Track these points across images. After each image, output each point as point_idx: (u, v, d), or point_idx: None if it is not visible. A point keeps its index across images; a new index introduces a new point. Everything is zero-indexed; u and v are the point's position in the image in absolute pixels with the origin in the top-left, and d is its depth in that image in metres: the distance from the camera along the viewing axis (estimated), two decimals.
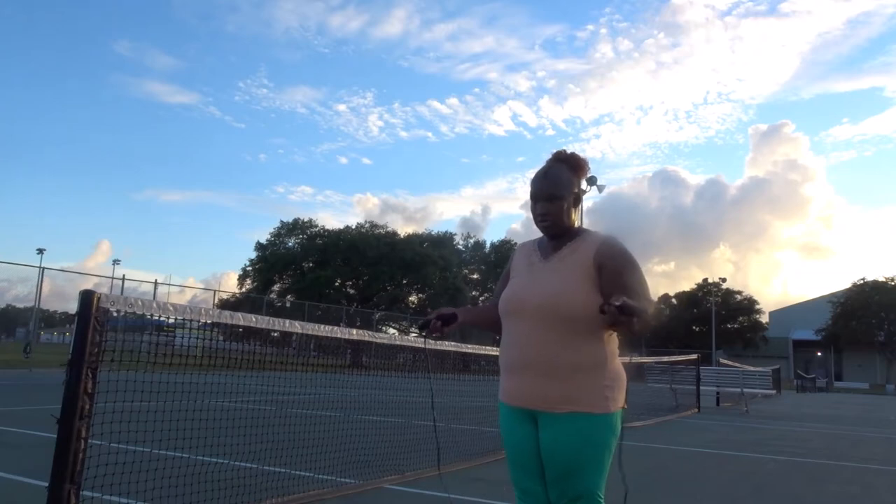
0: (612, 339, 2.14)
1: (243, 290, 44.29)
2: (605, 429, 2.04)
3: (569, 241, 2.20)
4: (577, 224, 2.26)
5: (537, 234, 2.36)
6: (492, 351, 7.26)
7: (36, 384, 13.53)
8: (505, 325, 2.24)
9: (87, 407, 2.92)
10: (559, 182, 2.18)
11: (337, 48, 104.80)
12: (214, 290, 35.22)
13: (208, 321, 3.93)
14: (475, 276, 58.30)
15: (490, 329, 2.39)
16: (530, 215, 2.25)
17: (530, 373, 2.10)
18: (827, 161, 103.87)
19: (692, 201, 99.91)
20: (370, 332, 5.87)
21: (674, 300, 64.73)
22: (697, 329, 60.05)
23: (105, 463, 3.32)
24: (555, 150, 2.26)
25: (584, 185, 2.27)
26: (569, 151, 2.24)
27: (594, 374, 2.06)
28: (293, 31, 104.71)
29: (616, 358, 2.14)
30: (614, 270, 2.08)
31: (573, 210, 2.23)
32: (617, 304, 1.77)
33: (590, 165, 2.26)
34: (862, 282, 58.53)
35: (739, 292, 62.77)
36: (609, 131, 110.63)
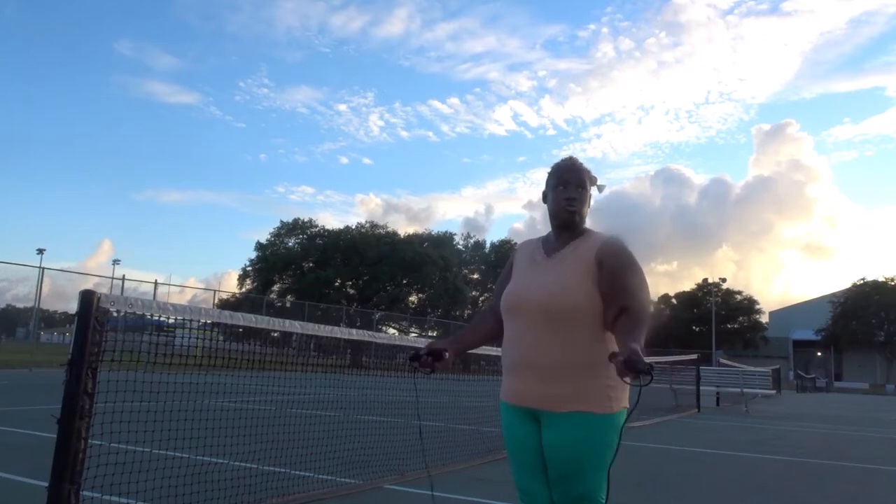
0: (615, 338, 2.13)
1: (243, 290, 44.31)
2: (607, 429, 2.03)
3: (573, 239, 2.20)
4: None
5: (539, 233, 2.38)
6: (491, 351, 7.24)
7: (36, 384, 13.53)
8: (506, 322, 2.23)
9: (87, 407, 2.92)
10: (586, 175, 2.24)
11: (338, 48, 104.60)
12: (214, 290, 35.12)
13: (208, 321, 3.93)
14: (475, 276, 58.26)
15: (489, 343, 2.40)
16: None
17: (532, 372, 2.09)
18: (828, 161, 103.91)
19: (695, 201, 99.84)
20: (370, 332, 5.87)
21: (674, 300, 64.74)
22: (697, 329, 59.99)
23: (105, 463, 3.32)
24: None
25: (594, 191, 2.30)
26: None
27: (597, 374, 2.04)
28: (294, 31, 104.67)
29: None
30: (614, 269, 2.07)
31: (586, 208, 2.26)
32: (622, 359, 1.78)
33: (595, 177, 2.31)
34: (862, 282, 58.60)
35: (739, 292, 62.77)
36: (610, 131, 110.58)
